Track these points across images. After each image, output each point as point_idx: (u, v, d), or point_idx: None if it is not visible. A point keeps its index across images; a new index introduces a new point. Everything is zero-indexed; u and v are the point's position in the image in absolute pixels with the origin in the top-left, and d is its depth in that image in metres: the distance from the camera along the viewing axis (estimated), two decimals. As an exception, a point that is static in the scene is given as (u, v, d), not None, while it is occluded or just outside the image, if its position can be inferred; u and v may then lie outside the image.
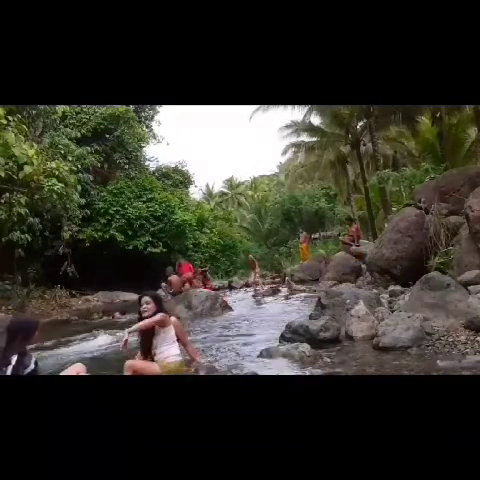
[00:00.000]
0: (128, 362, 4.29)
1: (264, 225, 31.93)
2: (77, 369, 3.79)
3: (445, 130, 17.39)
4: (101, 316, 11.59)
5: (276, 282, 14.94)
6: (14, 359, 3.09)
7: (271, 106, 21.06)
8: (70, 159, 15.19)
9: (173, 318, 4.56)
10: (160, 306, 4.41)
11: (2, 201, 12.22)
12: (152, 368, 4.15)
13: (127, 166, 19.83)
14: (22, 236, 13.12)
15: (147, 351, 4.34)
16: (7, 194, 12.01)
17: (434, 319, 4.90)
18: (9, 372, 3.04)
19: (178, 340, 4.47)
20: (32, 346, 4.17)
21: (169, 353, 4.29)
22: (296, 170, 31.49)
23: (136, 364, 4.26)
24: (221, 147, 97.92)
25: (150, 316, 4.26)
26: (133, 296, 15.50)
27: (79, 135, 17.96)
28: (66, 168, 12.76)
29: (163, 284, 12.22)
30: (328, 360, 4.49)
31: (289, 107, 21.25)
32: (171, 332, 4.37)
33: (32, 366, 3.17)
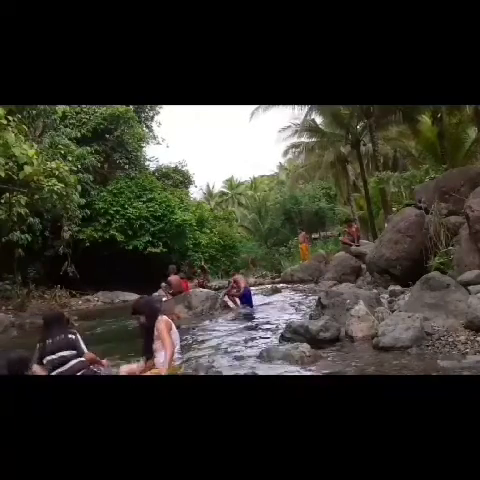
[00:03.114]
0: (123, 367, 4.32)
1: (264, 225, 31.92)
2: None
3: (445, 130, 17.38)
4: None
5: None
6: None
7: (271, 106, 21.06)
8: (70, 159, 15.21)
9: (163, 317, 4.41)
10: (151, 315, 4.30)
11: (2, 201, 12.23)
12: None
13: (127, 166, 19.82)
14: (22, 236, 13.12)
15: (148, 355, 4.32)
16: (7, 194, 12.02)
17: (434, 319, 4.89)
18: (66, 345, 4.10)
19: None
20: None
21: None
22: (296, 170, 31.51)
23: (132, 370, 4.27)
24: (221, 147, 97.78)
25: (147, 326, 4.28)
26: (133, 296, 15.50)
27: (79, 135, 17.97)
28: (66, 168, 12.77)
29: (163, 284, 12.23)
30: (328, 360, 4.49)
31: (289, 107, 21.27)
32: (172, 336, 4.33)
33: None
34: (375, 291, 7.37)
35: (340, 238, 18.27)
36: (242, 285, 9.64)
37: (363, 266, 10.82)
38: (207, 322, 8.36)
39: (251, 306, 9.37)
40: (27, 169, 10.63)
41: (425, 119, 19.50)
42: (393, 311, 5.68)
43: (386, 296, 6.87)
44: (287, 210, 28.68)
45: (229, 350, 5.61)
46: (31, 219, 13.17)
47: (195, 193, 41.38)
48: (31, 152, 10.64)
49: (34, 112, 13.48)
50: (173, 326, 4.42)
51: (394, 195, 19.14)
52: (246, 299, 9.47)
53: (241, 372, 4.31)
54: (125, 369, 4.38)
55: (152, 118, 23.46)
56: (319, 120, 23.76)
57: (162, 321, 4.24)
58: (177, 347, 4.43)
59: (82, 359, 4.12)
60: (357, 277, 11.08)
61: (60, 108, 16.60)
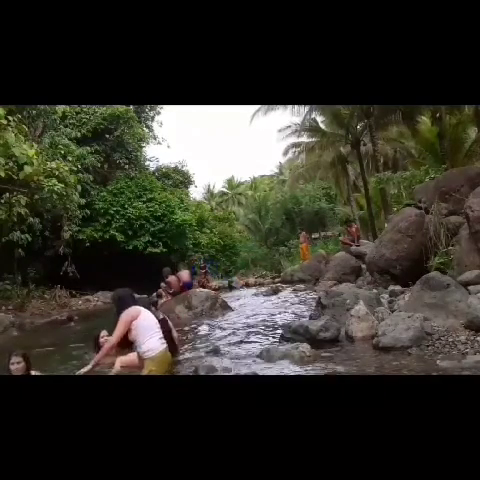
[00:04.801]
0: (120, 358, 4.35)
1: (264, 225, 31.92)
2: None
3: (445, 130, 17.37)
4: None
5: None
6: None
7: (272, 107, 21.08)
8: (70, 159, 15.19)
9: (132, 308, 4.28)
10: (121, 306, 4.30)
11: (2, 201, 12.22)
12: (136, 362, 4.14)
13: (127, 166, 19.79)
14: (22, 236, 13.11)
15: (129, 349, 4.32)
16: (7, 194, 12.01)
17: (434, 319, 4.89)
18: None
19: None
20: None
21: (148, 347, 4.17)
22: (297, 170, 31.50)
23: (125, 359, 4.31)
24: (221, 147, 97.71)
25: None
26: (133, 296, 15.46)
27: (79, 135, 17.95)
28: (66, 168, 12.76)
29: (163, 284, 12.23)
30: (328, 360, 4.49)
31: (289, 107, 21.25)
32: (143, 324, 4.20)
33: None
34: (375, 291, 7.37)
35: (340, 238, 18.27)
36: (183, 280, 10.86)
37: (363, 266, 10.81)
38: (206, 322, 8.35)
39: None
40: (27, 169, 10.62)
41: (425, 119, 19.50)
42: (393, 311, 5.68)
43: (386, 296, 6.87)
44: (287, 210, 28.68)
45: (229, 350, 5.61)
46: (31, 219, 13.15)
47: (195, 193, 41.41)
48: (31, 152, 10.63)
49: (34, 112, 13.47)
50: (143, 314, 4.27)
51: (394, 195, 19.13)
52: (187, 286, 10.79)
53: (241, 372, 4.31)
54: (123, 360, 4.40)
55: (152, 118, 23.43)
56: (319, 120, 23.80)
57: (126, 312, 4.18)
58: (152, 332, 4.26)
59: None
60: (357, 277, 11.08)
61: (60, 108, 16.57)
